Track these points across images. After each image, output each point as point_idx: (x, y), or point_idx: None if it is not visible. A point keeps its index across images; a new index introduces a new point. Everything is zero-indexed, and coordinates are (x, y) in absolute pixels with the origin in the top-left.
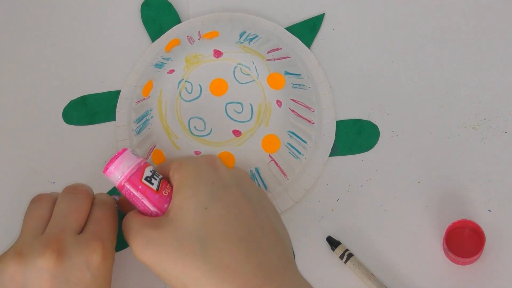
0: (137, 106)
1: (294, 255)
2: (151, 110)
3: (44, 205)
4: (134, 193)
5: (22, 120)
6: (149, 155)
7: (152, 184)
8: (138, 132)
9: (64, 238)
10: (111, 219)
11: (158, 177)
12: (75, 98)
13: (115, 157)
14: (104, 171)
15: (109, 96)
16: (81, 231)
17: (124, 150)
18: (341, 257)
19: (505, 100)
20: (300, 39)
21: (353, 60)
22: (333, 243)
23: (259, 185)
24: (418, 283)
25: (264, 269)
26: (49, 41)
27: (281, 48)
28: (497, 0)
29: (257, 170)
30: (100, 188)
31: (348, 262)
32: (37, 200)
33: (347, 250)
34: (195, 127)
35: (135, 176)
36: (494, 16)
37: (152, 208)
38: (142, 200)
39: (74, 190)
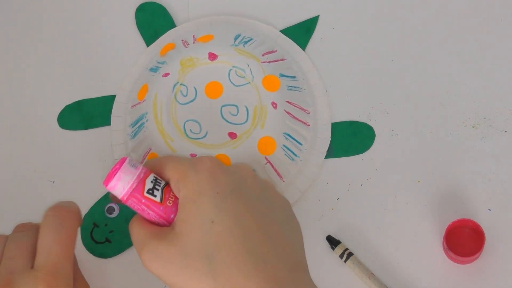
0: (132, 110)
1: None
2: (146, 114)
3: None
4: (139, 207)
5: (17, 125)
6: (145, 158)
7: (155, 196)
8: (134, 136)
9: (13, 279)
10: (64, 241)
11: (160, 186)
12: (70, 103)
13: (114, 172)
14: (105, 185)
15: (105, 101)
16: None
17: (123, 161)
18: (341, 256)
19: (505, 99)
20: (295, 42)
21: (351, 61)
22: (333, 242)
23: None
24: (418, 282)
25: (273, 283)
26: (44, 46)
27: (276, 51)
28: None
29: None
30: (97, 190)
31: (348, 261)
32: None
33: (347, 249)
34: (190, 130)
35: (136, 191)
36: (494, 15)
37: (158, 219)
38: (148, 211)
39: (21, 228)
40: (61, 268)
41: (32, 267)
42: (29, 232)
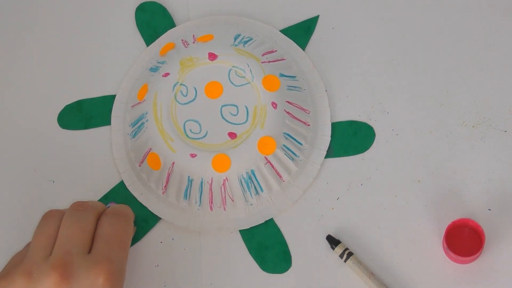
0: (132, 110)
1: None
2: (146, 114)
3: (52, 223)
4: None
5: (17, 125)
6: (145, 158)
7: None
8: (134, 136)
9: (70, 260)
10: (121, 234)
11: None
12: (70, 102)
13: None
14: None
15: (105, 101)
16: (89, 250)
17: None
18: (341, 256)
19: (505, 98)
20: (294, 41)
21: (350, 61)
22: (333, 241)
23: (255, 187)
24: (418, 282)
25: None
26: (44, 46)
27: (276, 51)
28: None
29: (252, 172)
30: (97, 190)
31: (348, 261)
32: (46, 217)
33: (347, 249)
34: (190, 130)
35: None
36: (494, 15)
37: None
38: None
39: (79, 207)
40: (117, 257)
41: (89, 251)
42: (88, 213)
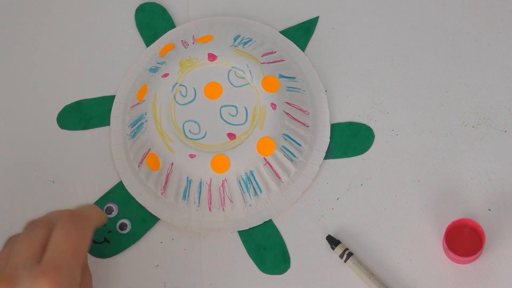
0: (131, 111)
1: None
2: (145, 114)
3: (9, 246)
4: None
5: (17, 125)
6: (144, 158)
7: None
8: (133, 136)
9: (16, 274)
10: (74, 240)
11: None
12: (69, 103)
13: None
14: None
15: (104, 101)
16: (40, 260)
17: None
18: (341, 256)
19: (505, 99)
20: (294, 42)
21: (350, 61)
22: (333, 242)
23: (254, 188)
24: (418, 282)
25: None
26: (44, 46)
27: (275, 52)
28: None
29: (251, 173)
30: (97, 190)
31: (348, 261)
32: (5, 243)
33: (347, 249)
34: (189, 130)
35: None
36: (494, 15)
37: None
38: None
39: (32, 224)
40: (67, 265)
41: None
42: (40, 229)
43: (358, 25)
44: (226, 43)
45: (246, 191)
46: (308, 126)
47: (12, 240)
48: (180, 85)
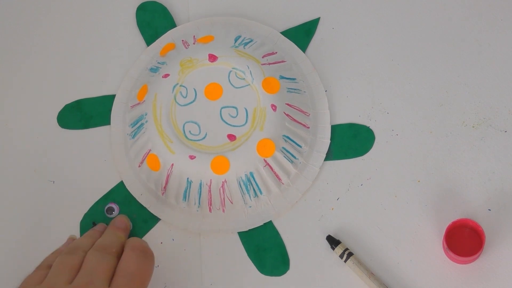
0: (132, 110)
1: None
2: (146, 114)
3: (76, 256)
4: None
5: (17, 125)
6: (144, 159)
7: None
8: (133, 136)
9: None
10: (143, 273)
11: None
12: (70, 102)
13: None
14: None
15: (104, 100)
16: (109, 283)
17: None
18: (341, 256)
19: (505, 99)
20: (295, 44)
21: (350, 61)
22: (333, 242)
23: (254, 189)
24: (418, 282)
25: None
26: (44, 46)
27: (276, 53)
28: None
29: (251, 174)
30: (97, 190)
31: (348, 261)
32: (69, 252)
33: (347, 249)
34: (190, 131)
35: None
36: (494, 15)
37: None
38: None
39: (104, 249)
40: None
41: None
42: (112, 255)
43: (358, 25)
44: (227, 43)
45: (246, 192)
46: (308, 128)
47: (74, 249)
48: (180, 85)
